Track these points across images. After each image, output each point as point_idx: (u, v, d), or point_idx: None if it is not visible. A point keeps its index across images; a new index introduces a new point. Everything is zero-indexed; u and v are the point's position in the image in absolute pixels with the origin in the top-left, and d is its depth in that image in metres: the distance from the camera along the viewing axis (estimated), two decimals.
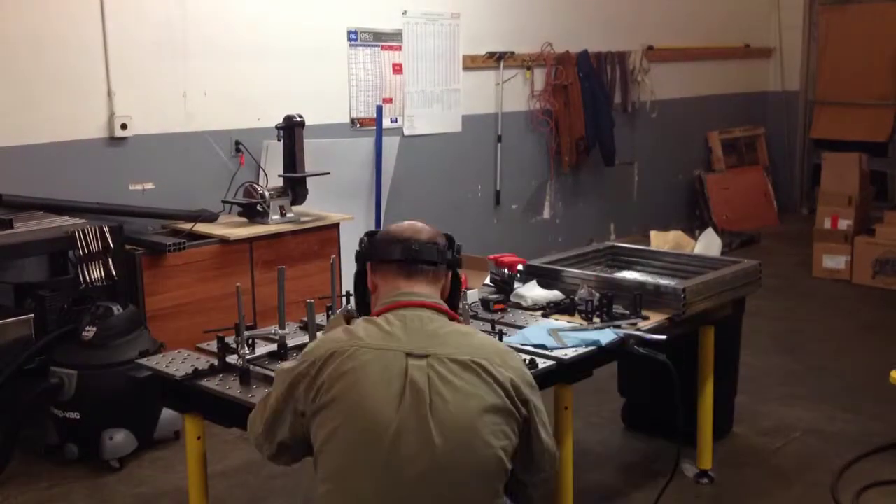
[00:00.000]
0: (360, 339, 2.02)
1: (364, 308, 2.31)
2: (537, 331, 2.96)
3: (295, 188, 4.98)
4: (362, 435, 1.93)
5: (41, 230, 4.13)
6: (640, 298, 3.20)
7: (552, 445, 2.15)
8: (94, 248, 4.05)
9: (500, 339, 2.82)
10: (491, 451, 1.94)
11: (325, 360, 2.00)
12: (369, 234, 2.30)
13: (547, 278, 3.47)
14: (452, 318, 2.14)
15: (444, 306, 2.16)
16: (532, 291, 3.36)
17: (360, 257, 2.28)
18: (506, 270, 3.44)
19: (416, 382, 1.94)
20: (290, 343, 2.86)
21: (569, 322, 3.13)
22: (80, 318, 4.03)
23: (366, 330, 2.05)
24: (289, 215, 4.94)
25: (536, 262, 3.61)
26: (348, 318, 2.38)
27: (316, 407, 1.99)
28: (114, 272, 4.09)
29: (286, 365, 2.18)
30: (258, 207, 4.87)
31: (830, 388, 4.75)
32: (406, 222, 2.29)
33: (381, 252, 2.20)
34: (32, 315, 4.08)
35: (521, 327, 3.05)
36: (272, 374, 2.64)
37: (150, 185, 4.95)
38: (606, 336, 2.92)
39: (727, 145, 8.95)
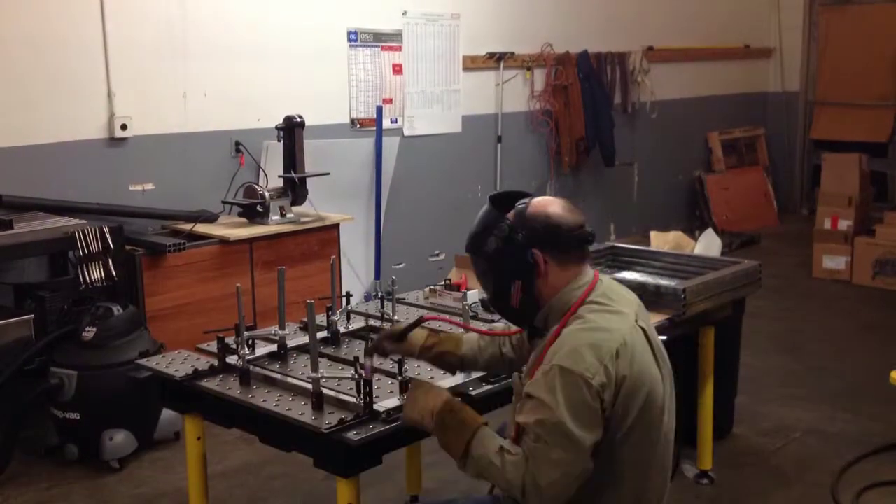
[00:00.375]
0: (620, 329, 2.08)
1: (502, 297, 2.20)
2: None
3: (295, 189, 4.98)
4: (656, 412, 2.09)
5: (41, 231, 4.13)
6: (641, 299, 3.19)
7: None
8: (94, 249, 4.05)
9: None
10: None
11: (615, 359, 2.03)
12: (529, 219, 2.13)
13: None
14: None
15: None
16: None
17: (530, 243, 2.13)
18: None
19: (654, 341, 2.17)
20: (290, 344, 2.87)
21: None
22: (80, 319, 4.03)
23: (609, 321, 2.09)
24: (289, 216, 4.94)
25: None
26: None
27: (618, 403, 2.03)
28: (114, 273, 4.09)
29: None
30: (258, 208, 4.87)
31: (830, 389, 4.75)
32: (557, 201, 2.19)
33: (562, 241, 2.14)
34: (32, 315, 4.08)
35: None
36: (272, 374, 2.65)
37: (150, 186, 4.95)
38: None
39: (727, 146, 8.96)
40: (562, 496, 2.00)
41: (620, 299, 2.19)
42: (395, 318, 3.07)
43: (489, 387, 2.57)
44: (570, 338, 2.06)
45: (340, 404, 2.40)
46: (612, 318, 2.11)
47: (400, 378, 2.46)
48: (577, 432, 1.97)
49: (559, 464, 1.97)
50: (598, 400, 1.99)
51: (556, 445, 1.97)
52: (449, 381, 2.58)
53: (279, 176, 5.04)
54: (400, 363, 2.49)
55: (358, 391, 2.37)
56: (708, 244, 6.64)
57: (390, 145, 5.95)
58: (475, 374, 2.62)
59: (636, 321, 2.15)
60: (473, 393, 2.53)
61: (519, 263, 2.13)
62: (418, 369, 2.69)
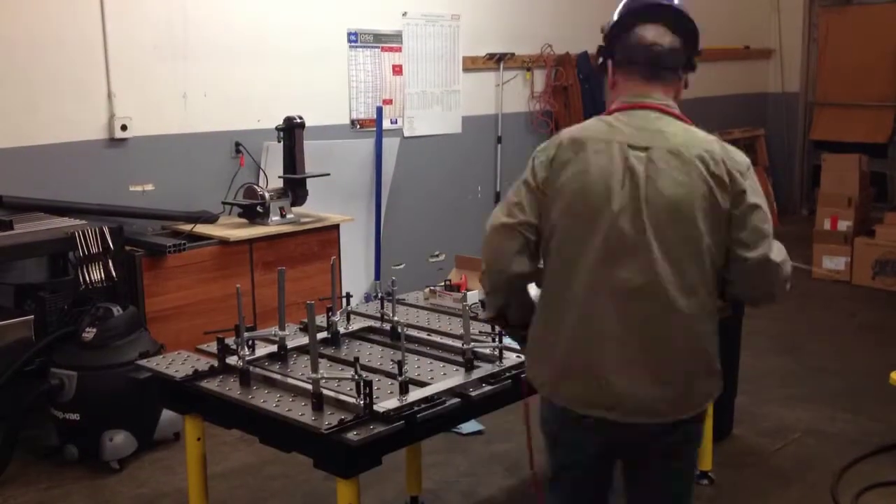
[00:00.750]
0: (589, 130, 2.17)
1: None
2: None
3: (295, 189, 4.98)
4: (583, 222, 2.10)
5: (41, 231, 4.13)
6: None
7: (770, 241, 2.14)
8: (94, 250, 4.05)
9: (500, 341, 2.82)
10: (699, 234, 2.08)
11: (561, 145, 2.17)
12: (614, 28, 2.28)
13: None
14: (681, 121, 2.23)
15: (676, 110, 2.25)
16: (532, 291, 3.36)
17: (603, 52, 2.31)
18: None
19: (635, 170, 2.09)
20: (290, 344, 2.87)
21: None
22: (81, 320, 4.03)
23: (595, 125, 2.19)
24: (289, 216, 4.95)
25: None
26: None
27: (548, 190, 2.14)
28: (114, 273, 4.09)
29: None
30: (258, 209, 4.87)
31: (830, 389, 4.75)
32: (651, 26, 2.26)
33: (626, 52, 2.24)
34: (32, 316, 4.08)
35: None
36: (272, 375, 2.65)
37: (150, 187, 4.95)
38: None
39: None
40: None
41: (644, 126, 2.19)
42: (395, 318, 3.07)
43: (488, 388, 2.58)
44: None
45: (340, 405, 2.41)
46: (600, 125, 2.21)
47: (400, 379, 2.47)
48: None
49: None
50: None
51: None
52: (448, 381, 2.58)
53: (279, 177, 5.04)
54: (400, 364, 2.49)
55: (358, 392, 2.38)
56: None
57: (390, 146, 5.95)
58: (475, 375, 2.62)
59: (643, 147, 2.14)
60: (473, 394, 2.54)
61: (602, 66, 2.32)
62: (418, 370, 2.69)
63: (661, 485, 2.31)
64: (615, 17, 2.29)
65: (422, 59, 6.22)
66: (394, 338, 3.01)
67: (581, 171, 2.12)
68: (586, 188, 2.10)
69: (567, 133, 2.21)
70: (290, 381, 2.61)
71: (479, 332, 2.94)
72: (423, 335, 3.02)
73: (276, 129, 4.97)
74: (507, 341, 2.86)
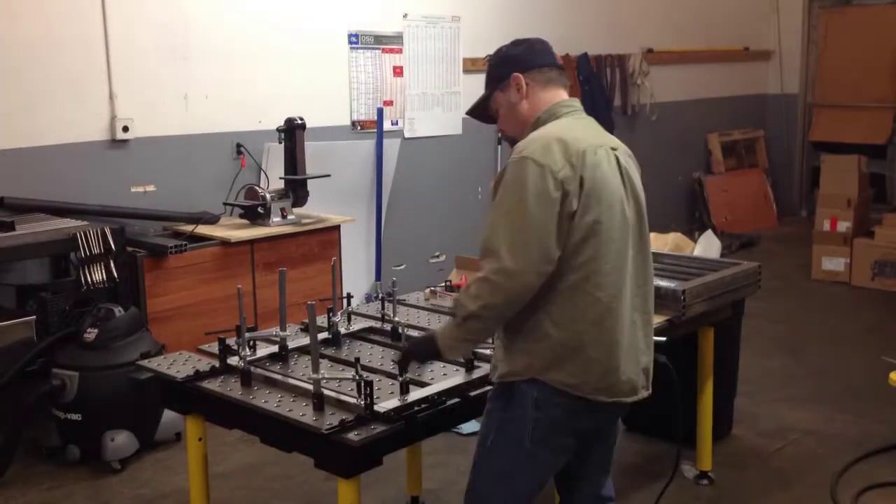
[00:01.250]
0: (586, 139, 2.26)
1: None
2: None
3: (296, 190, 4.99)
4: (616, 214, 2.27)
5: (43, 232, 4.14)
6: None
7: None
8: (95, 251, 4.06)
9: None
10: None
11: (581, 161, 2.21)
12: (515, 45, 2.43)
13: None
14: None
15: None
16: None
17: (511, 67, 2.38)
18: None
19: (625, 168, 2.33)
20: (291, 345, 2.88)
21: None
22: (82, 320, 4.04)
23: (577, 130, 2.30)
24: (290, 217, 4.96)
25: None
26: None
27: (580, 202, 2.20)
28: (115, 274, 4.10)
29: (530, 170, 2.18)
30: (259, 209, 4.88)
31: (830, 390, 4.76)
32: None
33: (538, 60, 2.40)
34: (34, 317, 4.09)
35: None
36: (273, 375, 2.66)
37: (151, 188, 4.96)
38: None
39: (726, 148, 8.97)
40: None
41: (597, 128, 2.39)
42: (396, 318, 3.08)
43: (488, 388, 2.58)
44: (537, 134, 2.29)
45: (341, 405, 2.41)
46: (583, 131, 2.31)
47: (400, 379, 2.48)
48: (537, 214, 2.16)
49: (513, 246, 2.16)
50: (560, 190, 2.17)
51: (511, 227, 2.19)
52: (449, 381, 2.59)
53: (280, 177, 5.05)
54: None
55: (358, 392, 2.38)
56: (707, 246, 6.64)
57: (391, 147, 5.96)
58: (475, 375, 2.63)
59: (612, 149, 2.33)
60: (473, 394, 2.55)
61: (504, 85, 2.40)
62: (419, 370, 2.70)
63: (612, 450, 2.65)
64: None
65: (422, 60, 6.23)
66: (394, 338, 3.02)
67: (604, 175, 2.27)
68: (612, 192, 2.27)
69: (560, 138, 2.23)
70: (290, 381, 2.61)
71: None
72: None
73: (277, 130, 4.98)
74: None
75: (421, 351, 2.44)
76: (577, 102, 2.40)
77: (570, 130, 2.27)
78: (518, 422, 2.29)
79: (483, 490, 2.40)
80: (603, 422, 2.42)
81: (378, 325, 3.16)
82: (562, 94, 2.40)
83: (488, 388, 2.58)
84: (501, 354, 2.34)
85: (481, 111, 2.49)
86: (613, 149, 2.31)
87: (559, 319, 2.22)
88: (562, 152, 2.19)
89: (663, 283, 3.49)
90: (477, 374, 2.64)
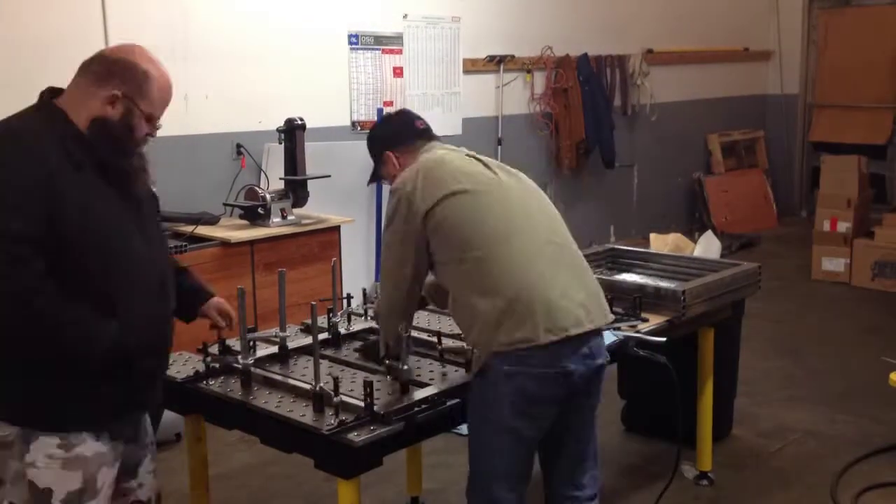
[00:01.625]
0: (438, 153, 2.71)
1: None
2: None
3: (296, 191, 4.99)
4: (487, 193, 2.57)
5: None
6: (640, 301, 3.21)
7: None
8: None
9: None
10: None
11: (427, 170, 2.61)
12: (382, 127, 3.00)
13: None
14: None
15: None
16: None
17: (381, 147, 2.86)
18: None
19: (482, 158, 2.73)
20: (291, 345, 2.88)
21: None
22: None
23: (430, 153, 2.73)
24: (290, 218, 4.95)
25: None
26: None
27: (440, 201, 2.51)
28: None
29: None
30: (259, 210, 4.88)
31: (830, 390, 4.76)
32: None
33: (401, 138, 2.83)
34: None
35: None
36: (273, 376, 2.66)
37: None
38: (606, 338, 2.92)
39: (726, 148, 8.97)
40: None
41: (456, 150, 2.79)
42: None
43: None
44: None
45: (341, 406, 2.41)
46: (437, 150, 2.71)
47: (401, 379, 2.48)
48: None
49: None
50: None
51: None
52: (449, 381, 2.59)
53: (280, 178, 5.05)
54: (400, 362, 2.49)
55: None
56: (707, 246, 6.65)
57: None
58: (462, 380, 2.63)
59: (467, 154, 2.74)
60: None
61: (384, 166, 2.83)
62: (419, 370, 2.70)
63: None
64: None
65: (422, 61, 6.23)
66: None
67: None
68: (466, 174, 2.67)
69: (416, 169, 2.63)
70: (291, 381, 2.61)
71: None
72: (424, 336, 3.03)
73: (278, 130, 4.98)
74: None
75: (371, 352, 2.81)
76: (434, 143, 2.79)
77: (424, 157, 2.67)
78: (495, 399, 2.42)
79: (479, 473, 2.52)
80: (575, 384, 2.46)
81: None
82: (424, 149, 2.73)
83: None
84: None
85: (374, 179, 2.99)
86: (469, 154, 2.74)
87: (480, 289, 2.42)
88: (411, 174, 2.59)
89: (663, 283, 3.50)
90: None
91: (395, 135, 2.85)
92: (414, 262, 2.51)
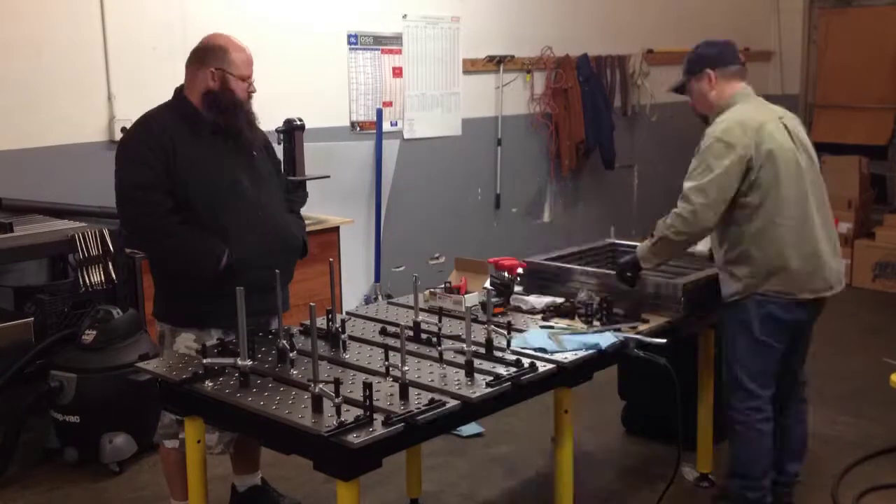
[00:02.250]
0: (758, 116, 3.22)
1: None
2: (537, 334, 2.96)
3: (295, 191, 4.97)
4: (791, 167, 3.19)
5: (41, 234, 4.13)
6: (640, 302, 3.20)
7: None
8: (94, 252, 4.05)
9: (507, 343, 2.82)
10: None
11: (757, 134, 3.15)
12: (710, 46, 3.40)
13: (548, 280, 3.47)
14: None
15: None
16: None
17: (706, 63, 3.32)
18: (506, 274, 3.44)
19: (794, 131, 3.28)
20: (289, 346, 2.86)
21: (569, 325, 3.13)
22: (80, 322, 4.03)
23: (751, 111, 3.24)
24: None
25: (535, 259, 3.60)
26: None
27: (759, 165, 3.13)
28: (114, 276, 4.09)
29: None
30: None
31: (830, 392, 4.75)
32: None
33: (728, 59, 3.36)
34: (32, 318, 4.08)
35: (521, 331, 3.04)
36: (272, 377, 2.64)
37: None
38: (606, 339, 2.92)
39: None
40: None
41: (766, 105, 3.35)
42: (396, 320, 3.07)
43: (488, 390, 2.57)
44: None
45: (340, 407, 2.40)
46: (755, 111, 3.23)
47: (400, 381, 2.47)
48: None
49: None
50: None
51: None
52: (448, 383, 2.58)
53: None
54: (399, 366, 2.49)
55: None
56: (707, 246, 6.64)
57: (390, 148, 5.95)
58: (477, 377, 2.61)
59: (780, 118, 3.26)
60: (473, 396, 2.53)
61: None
62: (419, 372, 2.69)
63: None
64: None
65: (422, 61, 6.22)
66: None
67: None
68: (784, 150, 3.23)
69: (738, 121, 3.19)
70: (289, 383, 2.60)
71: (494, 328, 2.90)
72: (423, 337, 3.01)
73: (276, 130, 4.97)
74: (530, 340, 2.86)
75: (625, 264, 3.27)
76: (749, 89, 3.32)
77: (745, 112, 3.20)
78: (747, 320, 3.17)
79: (733, 374, 3.26)
80: (810, 315, 3.32)
81: (377, 326, 3.15)
82: (740, 85, 3.32)
83: (488, 390, 2.57)
84: (725, 278, 3.23)
85: (679, 89, 3.43)
86: (780, 117, 3.26)
87: (762, 244, 3.12)
88: (741, 130, 3.11)
89: (663, 280, 3.48)
90: (478, 377, 2.63)
91: (721, 56, 3.34)
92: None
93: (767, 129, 3.14)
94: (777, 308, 3.16)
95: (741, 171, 3.10)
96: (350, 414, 2.34)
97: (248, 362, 2.63)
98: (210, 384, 2.64)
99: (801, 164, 3.21)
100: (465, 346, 2.67)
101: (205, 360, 2.71)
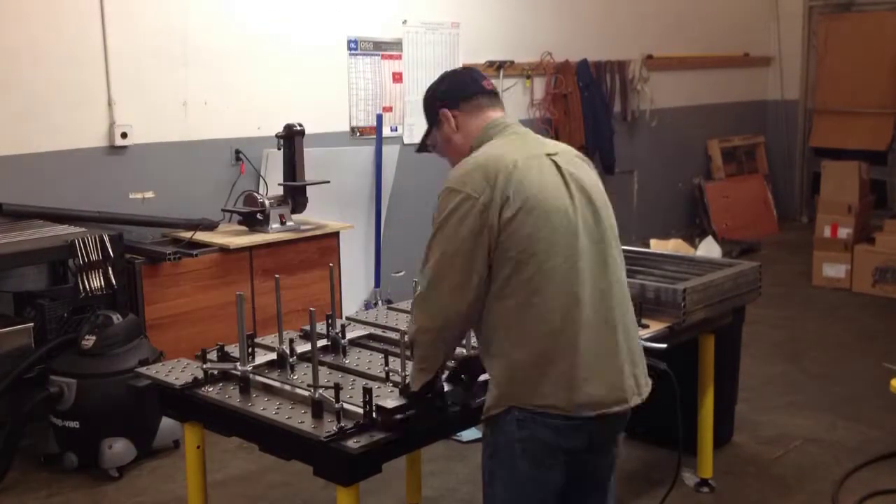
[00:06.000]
0: (512, 154, 2.22)
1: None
2: None
3: (295, 197, 4.98)
4: (557, 222, 2.17)
5: (41, 239, 4.13)
6: (641, 307, 3.19)
7: None
8: (93, 257, 4.05)
9: None
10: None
11: (505, 179, 2.16)
12: (440, 82, 2.51)
13: None
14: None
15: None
16: None
17: (437, 104, 2.45)
18: None
19: (568, 171, 2.26)
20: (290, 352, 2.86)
21: None
22: (80, 327, 4.02)
23: (505, 147, 2.27)
24: (289, 224, 4.94)
25: None
26: None
27: (508, 220, 2.14)
28: (113, 281, 4.09)
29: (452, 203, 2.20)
30: (258, 216, 4.87)
31: (831, 397, 4.75)
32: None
33: (465, 89, 2.42)
34: (32, 324, 4.08)
35: None
36: (272, 383, 2.64)
37: (150, 194, 4.95)
38: None
39: (727, 154, 8.97)
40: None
41: (533, 139, 2.37)
42: (396, 325, 3.07)
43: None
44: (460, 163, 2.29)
45: (340, 412, 2.39)
46: (511, 146, 2.28)
47: (400, 386, 2.46)
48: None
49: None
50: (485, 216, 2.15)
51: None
52: (449, 388, 2.58)
53: (279, 184, 5.04)
54: (399, 371, 2.48)
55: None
56: (708, 252, 6.65)
57: (390, 153, 5.95)
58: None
59: (549, 154, 2.27)
60: (473, 402, 2.52)
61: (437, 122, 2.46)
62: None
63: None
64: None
65: (422, 66, 6.23)
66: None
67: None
68: (548, 198, 2.20)
69: (480, 163, 2.23)
70: (289, 388, 2.60)
71: None
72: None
73: (276, 136, 4.97)
74: None
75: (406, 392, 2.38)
76: (505, 119, 2.39)
77: (496, 150, 2.26)
78: (508, 446, 2.20)
79: None
80: (597, 437, 2.24)
81: (378, 331, 3.15)
82: (492, 116, 2.38)
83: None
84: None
85: (427, 147, 2.59)
86: (550, 154, 2.27)
87: (516, 338, 2.16)
88: (482, 176, 2.17)
89: (663, 285, 3.48)
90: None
91: (455, 89, 2.46)
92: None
93: (522, 170, 2.17)
94: (545, 428, 2.17)
95: (484, 228, 2.15)
96: (350, 419, 2.33)
97: (248, 367, 2.63)
98: (210, 390, 2.64)
99: (572, 219, 2.20)
100: (464, 350, 2.67)
101: (204, 366, 2.71)
